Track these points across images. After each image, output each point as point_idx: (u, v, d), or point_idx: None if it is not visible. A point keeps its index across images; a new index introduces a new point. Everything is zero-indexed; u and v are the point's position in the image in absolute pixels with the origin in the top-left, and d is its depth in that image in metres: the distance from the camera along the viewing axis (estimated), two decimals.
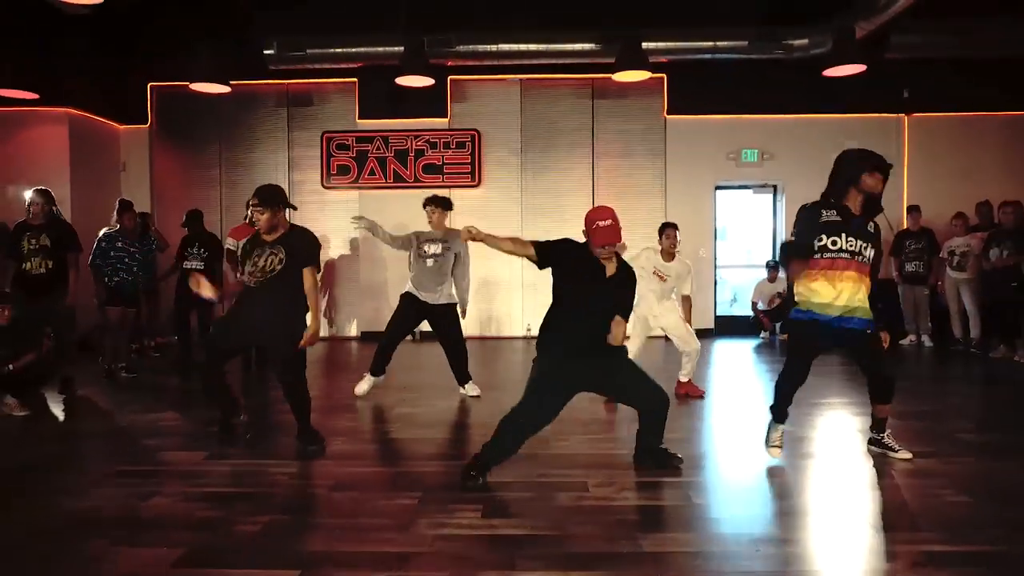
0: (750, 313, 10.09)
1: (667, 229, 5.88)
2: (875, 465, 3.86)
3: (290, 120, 10.36)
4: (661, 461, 3.82)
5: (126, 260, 7.04)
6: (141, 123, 10.36)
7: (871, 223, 3.84)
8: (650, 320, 5.84)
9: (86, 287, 7.44)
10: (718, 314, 10.39)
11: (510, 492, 3.43)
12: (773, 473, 3.79)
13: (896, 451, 4.00)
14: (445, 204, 6.02)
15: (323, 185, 10.19)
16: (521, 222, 10.03)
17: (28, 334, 5.65)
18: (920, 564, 2.59)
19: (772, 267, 9.85)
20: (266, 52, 9.23)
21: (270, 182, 10.03)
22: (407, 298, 5.91)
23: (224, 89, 8.84)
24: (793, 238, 3.89)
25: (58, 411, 5.50)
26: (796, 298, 3.91)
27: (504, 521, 3.04)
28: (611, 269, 3.66)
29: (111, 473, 3.82)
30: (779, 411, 4.08)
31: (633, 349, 5.71)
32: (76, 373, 6.20)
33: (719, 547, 2.77)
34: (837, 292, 3.74)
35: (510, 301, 10.21)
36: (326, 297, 10.36)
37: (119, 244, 7.01)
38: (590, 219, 3.59)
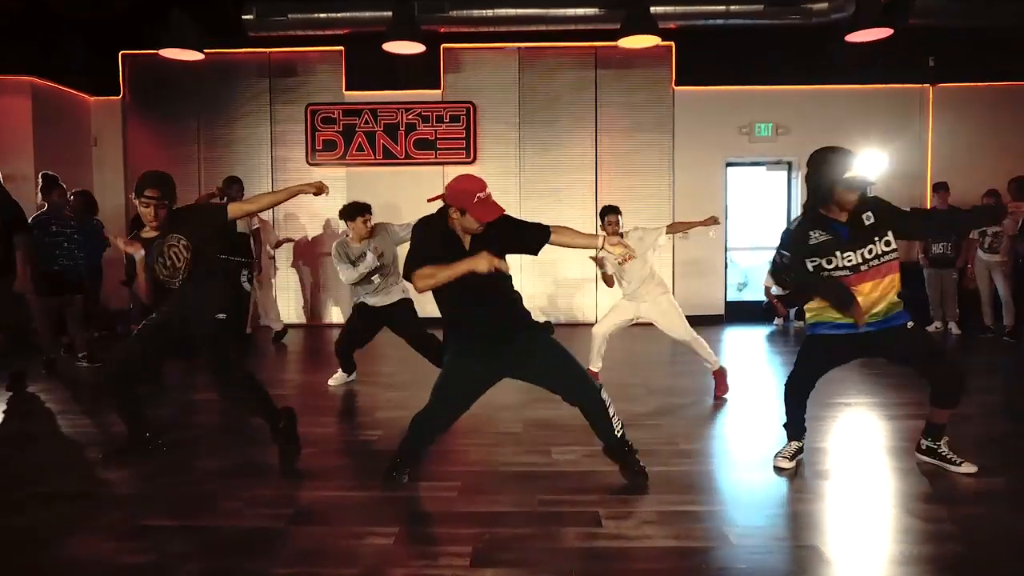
0: (763, 298, 9.48)
1: (608, 215, 5.23)
2: (937, 483, 3.27)
3: (272, 92, 9.66)
4: (626, 465, 3.32)
5: (65, 244, 6.23)
6: (113, 95, 9.68)
7: (864, 215, 3.25)
8: (632, 309, 5.24)
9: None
10: (728, 299, 9.79)
11: (506, 527, 2.83)
12: (818, 497, 3.20)
13: (957, 464, 3.42)
14: (365, 209, 5.41)
15: (308, 162, 9.51)
16: (519, 201, 9.37)
17: None
18: None
19: None
20: (244, 17, 8.54)
21: (252, 158, 9.66)
22: (361, 308, 5.43)
23: (198, 56, 8.15)
24: (781, 260, 3.41)
25: None
26: (808, 314, 3.47)
27: (498, 572, 2.45)
28: (471, 243, 3.15)
29: (36, 495, 3.23)
30: (793, 427, 3.64)
31: (603, 328, 5.28)
32: (30, 367, 5.62)
33: None
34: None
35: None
36: (308, 281, 9.76)
37: (53, 228, 6.18)
38: (465, 190, 3.06)
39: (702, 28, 8.64)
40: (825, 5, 8.27)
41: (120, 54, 9.59)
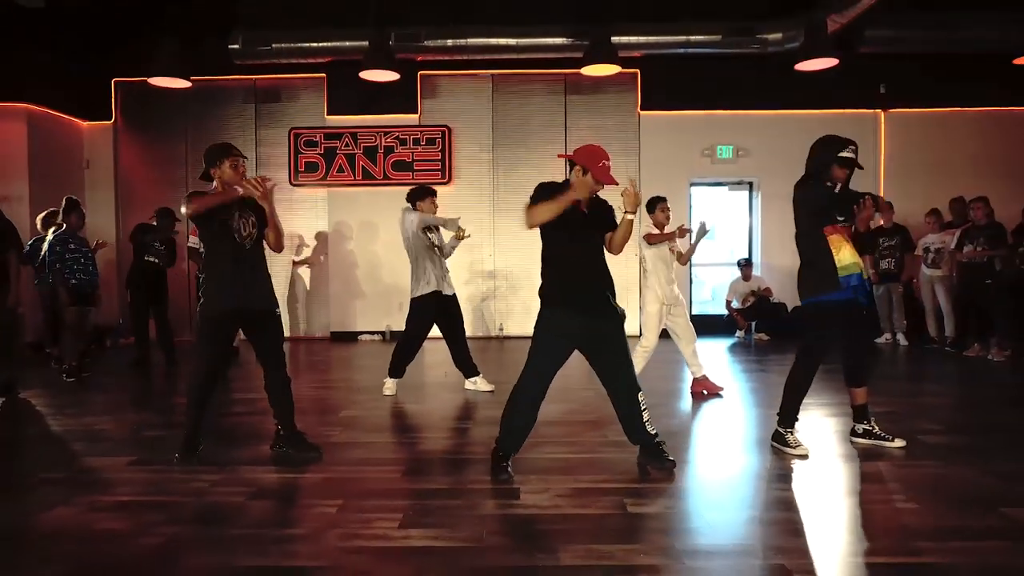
0: (725, 312, 9.92)
1: (660, 203, 5.76)
2: (830, 469, 3.70)
3: (257, 116, 10.16)
4: (653, 456, 3.68)
5: (82, 260, 6.88)
6: (105, 120, 10.15)
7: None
8: (663, 310, 5.66)
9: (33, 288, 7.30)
10: (693, 313, 10.22)
11: (435, 499, 3.25)
12: (718, 480, 3.62)
13: (890, 440, 4.06)
14: (434, 192, 5.90)
15: (291, 183, 9.98)
16: (492, 219, 9.84)
17: None
18: None
19: (745, 265, 9.70)
20: (231, 46, 9.03)
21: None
22: (433, 298, 5.64)
23: (185, 84, 8.65)
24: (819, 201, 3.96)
25: None
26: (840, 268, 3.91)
27: (421, 532, 2.86)
28: (586, 205, 3.63)
29: (23, 483, 3.62)
30: (793, 415, 4.05)
31: (651, 341, 5.62)
32: (22, 376, 6.01)
33: (646, 559, 2.60)
34: (853, 256, 3.94)
35: (481, 296, 10.01)
36: (293, 293, 10.18)
37: (71, 245, 6.83)
38: (594, 154, 3.55)
39: (665, 56, 9.18)
40: (779, 35, 8.80)
41: (113, 81, 10.07)
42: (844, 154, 3.89)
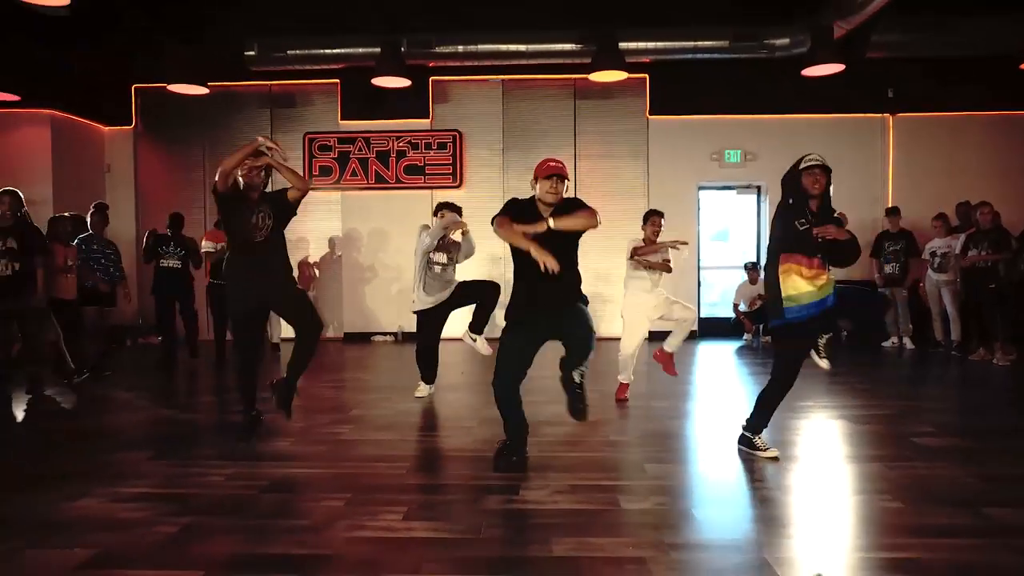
0: (732, 315, 10.01)
1: (652, 216, 5.69)
2: (816, 470, 3.82)
3: (273, 121, 10.37)
4: (571, 396, 3.82)
5: (103, 261, 7.17)
6: (125, 124, 10.40)
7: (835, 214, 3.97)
8: (646, 322, 5.58)
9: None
10: (701, 316, 10.32)
11: (440, 495, 3.41)
12: (718, 481, 3.74)
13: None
14: (446, 207, 5.86)
15: None
16: None
17: None
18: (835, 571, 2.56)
19: (751, 268, 9.79)
20: (247, 53, 9.22)
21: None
22: (424, 314, 5.67)
23: (203, 90, 8.86)
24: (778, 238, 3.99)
25: (19, 410, 5.51)
26: (785, 299, 3.88)
27: (423, 524, 3.01)
28: (550, 213, 3.70)
29: (47, 475, 3.81)
30: (762, 425, 4.11)
31: (630, 348, 5.52)
32: (46, 373, 6.24)
33: (633, 552, 2.73)
34: (819, 283, 3.85)
35: None
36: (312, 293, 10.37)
37: (95, 246, 7.11)
38: (541, 164, 3.77)
39: (674, 62, 9.24)
40: (786, 40, 8.87)
41: (132, 87, 10.32)
42: (804, 164, 3.88)
